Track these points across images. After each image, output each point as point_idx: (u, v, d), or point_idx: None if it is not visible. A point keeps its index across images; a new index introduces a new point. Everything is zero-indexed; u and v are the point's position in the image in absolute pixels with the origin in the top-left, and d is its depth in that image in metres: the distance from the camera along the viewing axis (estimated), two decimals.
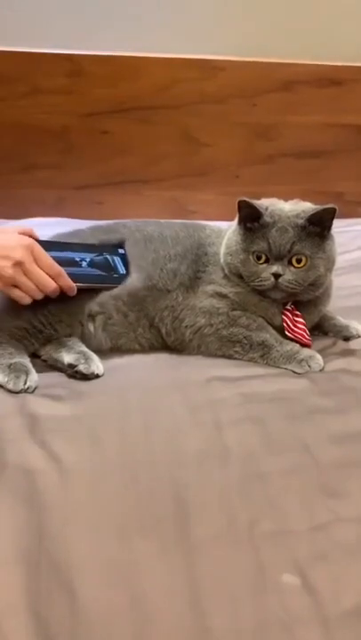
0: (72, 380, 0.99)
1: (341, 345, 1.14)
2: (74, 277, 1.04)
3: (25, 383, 0.94)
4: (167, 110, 1.78)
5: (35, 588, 0.65)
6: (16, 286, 1.00)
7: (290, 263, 1.03)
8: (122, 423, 0.87)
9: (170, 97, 1.77)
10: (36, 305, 1.03)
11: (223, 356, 1.07)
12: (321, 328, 1.17)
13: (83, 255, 1.11)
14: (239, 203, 1.04)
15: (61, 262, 1.03)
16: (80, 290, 1.05)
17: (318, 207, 1.04)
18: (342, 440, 0.87)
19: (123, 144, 1.80)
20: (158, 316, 1.09)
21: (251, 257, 1.04)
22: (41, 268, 1.00)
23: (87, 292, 1.07)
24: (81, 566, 0.67)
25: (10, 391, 0.93)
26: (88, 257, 1.11)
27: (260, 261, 1.04)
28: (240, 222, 1.07)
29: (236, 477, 0.79)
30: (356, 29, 1.83)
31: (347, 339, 1.15)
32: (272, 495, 0.77)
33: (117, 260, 1.13)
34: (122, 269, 1.12)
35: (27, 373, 0.95)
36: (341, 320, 1.18)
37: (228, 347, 1.06)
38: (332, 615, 0.64)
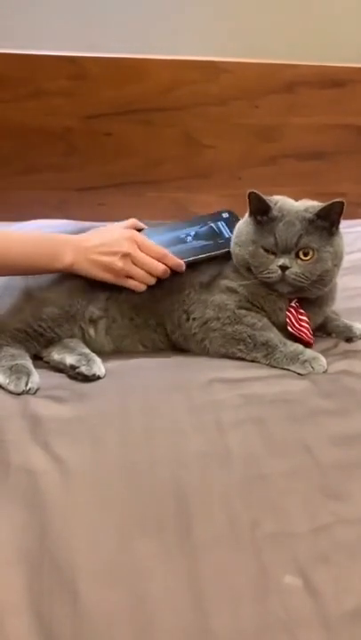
0: (74, 382, 0.99)
1: (344, 346, 1.14)
2: (180, 254, 1.09)
3: (26, 384, 0.94)
4: (170, 112, 1.79)
5: (37, 589, 0.65)
6: (129, 277, 1.05)
7: (297, 256, 1.04)
8: (123, 424, 0.87)
9: (172, 99, 1.77)
10: (36, 309, 1.03)
11: (226, 355, 1.07)
12: (324, 329, 1.17)
13: (187, 231, 1.15)
14: (249, 195, 1.05)
15: (167, 244, 1.10)
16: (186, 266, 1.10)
17: (331, 201, 1.05)
18: (344, 442, 0.86)
19: (125, 146, 1.80)
20: (167, 311, 1.09)
21: (260, 249, 1.05)
22: (147, 254, 1.06)
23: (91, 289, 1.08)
24: (83, 567, 0.67)
25: (11, 392, 0.94)
26: (192, 231, 1.15)
27: (269, 254, 1.05)
28: (250, 215, 1.08)
29: (237, 479, 0.79)
30: (359, 30, 1.84)
31: (349, 340, 1.15)
32: (274, 497, 0.77)
33: (222, 224, 1.16)
34: (227, 233, 1.15)
35: (28, 375, 0.96)
36: (344, 321, 1.18)
37: (231, 344, 1.06)
38: (334, 617, 0.64)
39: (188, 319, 1.09)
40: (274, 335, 1.06)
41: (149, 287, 1.09)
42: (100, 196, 1.83)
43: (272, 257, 1.04)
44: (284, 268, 1.03)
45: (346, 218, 1.65)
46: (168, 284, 1.10)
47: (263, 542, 0.71)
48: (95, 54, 1.72)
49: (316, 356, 1.04)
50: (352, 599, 0.65)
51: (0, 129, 1.73)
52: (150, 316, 1.10)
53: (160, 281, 1.09)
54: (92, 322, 1.08)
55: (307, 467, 0.82)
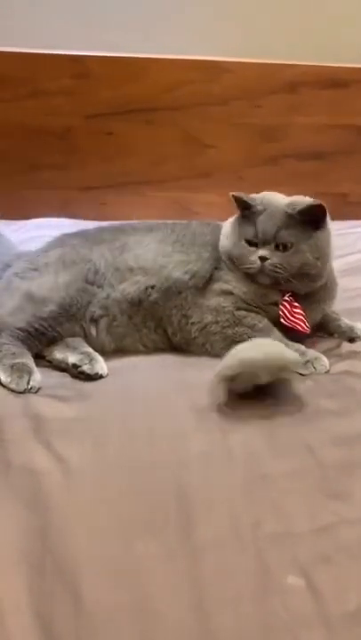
0: (76, 381, 0.99)
1: (346, 346, 1.14)
2: None
3: (28, 383, 0.94)
4: (171, 112, 1.78)
5: (39, 589, 0.65)
6: None
7: (277, 249, 1.06)
8: (126, 425, 0.87)
9: (174, 98, 1.77)
10: (37, 309, 1.03)
11: None
12: (326, 329, 1.17)
13: None
14: (232, 196, 1.09)
15: None
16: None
17: (312, 201, 1.08)
18: (346, 442, 0.86)
19: (127, 145, 1.80)
20: (166, 315, 1.09)
21: (242, 241, 1.08)
22: None
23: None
24: (85, 567, 0.67)
25: (13, 391, 0.94)
26: None
27: (250, 246, 1.08)
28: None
29: (239, 479, 0.79)
30: (360, 31, 1.84)
31: (351, 340, 1.15)
32: (275, 497, 0.77)
33: None
34: None
35: (30, 373, 0.96)
36: (346, 321, 1.18)
37: (232, 346, 1.06)
38: (336, 617, 0.63)
39: (187, 323, 1.09)
40: (275, 336, 1.06)
41: (144, 286, 1.09)
42: (101, 196, 1.83)
43: (253, 249, 1.08)
44: (263, 259, 1.06)
45: (347, 218, 1.66)
46: (163, 286, 1.10)
47: (265, 542, 0.71)
48: (96, 54, 1.72)
49: (317, 357, 1.05)
50: (354, 599, 0.65)
51: (1, 128, 1.73)
52: (148, 318, 1.10)
53: (159, 285, 1.09)
54: (93, 321, 1.08)
55: (308, 467, 0.82)
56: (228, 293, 1.10)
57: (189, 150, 1.83)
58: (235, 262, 1.10)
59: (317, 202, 1.07)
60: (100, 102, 1.75)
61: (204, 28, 1.78)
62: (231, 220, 1.15)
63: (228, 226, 1.14)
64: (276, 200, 1.11)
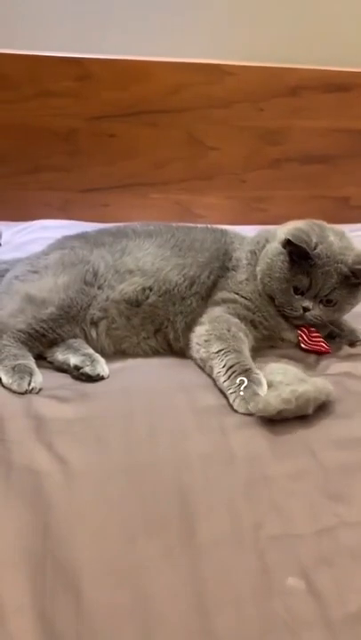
0: (78, 382, 0.99)
1: (346, 349, 1.14)
2: None
3: (29, 384, 0.94)
4: (174, 114, 1.79)
5: (40, 589, 0.65)
6: None
7: (321, 302, 1.07)
8: (127, 425, 0.88)
9: (177, 101, 1.77)
10: (37, 311, 1.04)
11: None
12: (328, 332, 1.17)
13: None
14: (287, 242, 1.05)
15: None
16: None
17: None
18: (347, 444, 0.87)
19: (129, 147, 1.80)
20: (169, 320, 1.09)
21: (291, 289, 1.07)
22: None
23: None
24: (86, 567, 0.68)
25: (15, 392, 0.94)
26: None
27: (297, 293, 1.07)
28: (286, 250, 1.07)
29: (241, 481, 0.79)
30: None
31: (352, 343, 1.15)
32: (277, 499, 0.77)
33: None
34: None
35: (31, 374, 0.96)
36: (348, 324, 1.18)
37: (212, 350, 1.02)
38: (337, 618, 0.64)
39: (189, 330, 1.09)
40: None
41: (141, 287, 1.09)
42: (104, 197, 1.83)
43: (299, 297, 1.07)
44: (306, 309, 1.07)
45: (349, 222, 1.66)
46: (160, 289, 1.09)
47: (266, 544, 0.71)
48: (100, 56, 1.72)
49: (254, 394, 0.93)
50: (355, 601, 0.66)
51: (5, 129, 1.74)
52: (147, 321, 1.09)
53: (156, 287, 1.09)
54: (93, 324, 1.08)
55: (309, 469, 0.82)
56: (232, 301, 1.10)
57: (192, 153, 1.83)
58: (274, 299, 1.09)
59: None
60: (102, 104, 1.75)
61: (207, 31, 1.79)
62: (275, 255, 1.08)
63: (273, 263, 1.07)
64: (331, 249, 1.05)
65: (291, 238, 1.05)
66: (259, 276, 1.10)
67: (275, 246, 1.10)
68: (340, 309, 1.09)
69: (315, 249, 1.05)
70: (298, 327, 1.10)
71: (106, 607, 0.64)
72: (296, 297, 1.07)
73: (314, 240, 1.06)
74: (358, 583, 0.68)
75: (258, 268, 1.11)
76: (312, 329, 1.10)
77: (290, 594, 0.66)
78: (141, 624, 0.63)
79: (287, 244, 1.06)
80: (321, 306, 1.07)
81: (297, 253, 1.06)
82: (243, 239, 1.19)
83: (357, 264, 1.05)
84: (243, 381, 0.93)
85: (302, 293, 1.07)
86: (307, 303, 1.07)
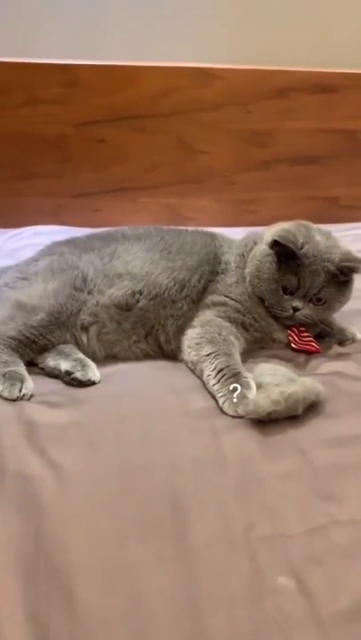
0: (69, 387, 1.00)
1: (336, 348, 1.15)
2: None
3: (20, 391, 0.95)
4: (163, 118, 1.79)
5: (33, 593, 0.65)
6: None
7: (310, 301, 1.08)
8: (119, 429, 0.88)
9: (166, 105, 1.78)
10: (27, 317, 1.04)
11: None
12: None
13: None
14: (274, 242, 1.06)
15: None
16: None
17: (350, 255, 1.07)
18: (337, 443, 0.87)
19: (119, 152, 1.81)
20: (160, 323, 1.10)
21: (280, 289, 1.08)
22: None
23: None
24: (79, 571, 0.68)
25: (6, 399, 0.94)
26: None
27: (286, 293, 1.08)
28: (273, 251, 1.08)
29: (232, 482, 0.80)
30: (349, 36, 1.85)
31: (341, 343, 1.16)
32: (268, 499, 0.78)
33: None
34: None
35: (22, 381, 0.96)
36: (337, 324, 1.19)
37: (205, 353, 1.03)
38: (327, 617, 0.64)
39: (181, 333, 1.09)
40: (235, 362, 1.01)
41: (131, 291, 1.09)
42: (95, 202, 1.84)
43: (288, 297, 1.08)
44: (296, 308, 1.07)
45: (338, 222, 1.67)
46: (150, 292, 1.10)
47: (258, 544, 0.72)
48: (89, 62, 1.73)
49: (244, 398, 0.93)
50: (345, 599, 0.66)
51: None
52: (138, 325, 1.10)
53: (146, 291, 1.10)
54: (84, 329, 1.09)
55: (300, 469, 0.83)
56: (221, 304, 1.10)
57: (181, 156, 1.84)
58: (264, 300, 1.10)
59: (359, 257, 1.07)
60: (92, 110, 1.76)
61: (194, 34, 1.79)
62: (263, 256, 1.09)
63: (261, 265, 1.08)
64: (317, 248, 1.06)
65: (278, 239, 1.06)
66: (248, 278, 1.11)
67: (262, 248, 1.10)
68: (329, 307, 1.10)
69: (301, 248, 1.06)
70: (288, 327, 1.11)
71: (99, 610, 0.65)
72: (285, 297, 1.08)
73: (300, 240, 1.07)
74: (349, 581, 0.68)
75: (247, 271, 1.12)
76: (302, 329, 1.11)
77: (281, 593, 0.66)
78: (135, 626, 0.63)
79: (274, 244, 1.07)
80: (311, 305, 1.08)
81: (284, 254, 1.07)
82: (231, 242, 1.20)
83: (344, 261, 1.07)
84: (236, 388, 0.94)
85: (291, 293, 1.08)
86: (296, 303, 1.08)
